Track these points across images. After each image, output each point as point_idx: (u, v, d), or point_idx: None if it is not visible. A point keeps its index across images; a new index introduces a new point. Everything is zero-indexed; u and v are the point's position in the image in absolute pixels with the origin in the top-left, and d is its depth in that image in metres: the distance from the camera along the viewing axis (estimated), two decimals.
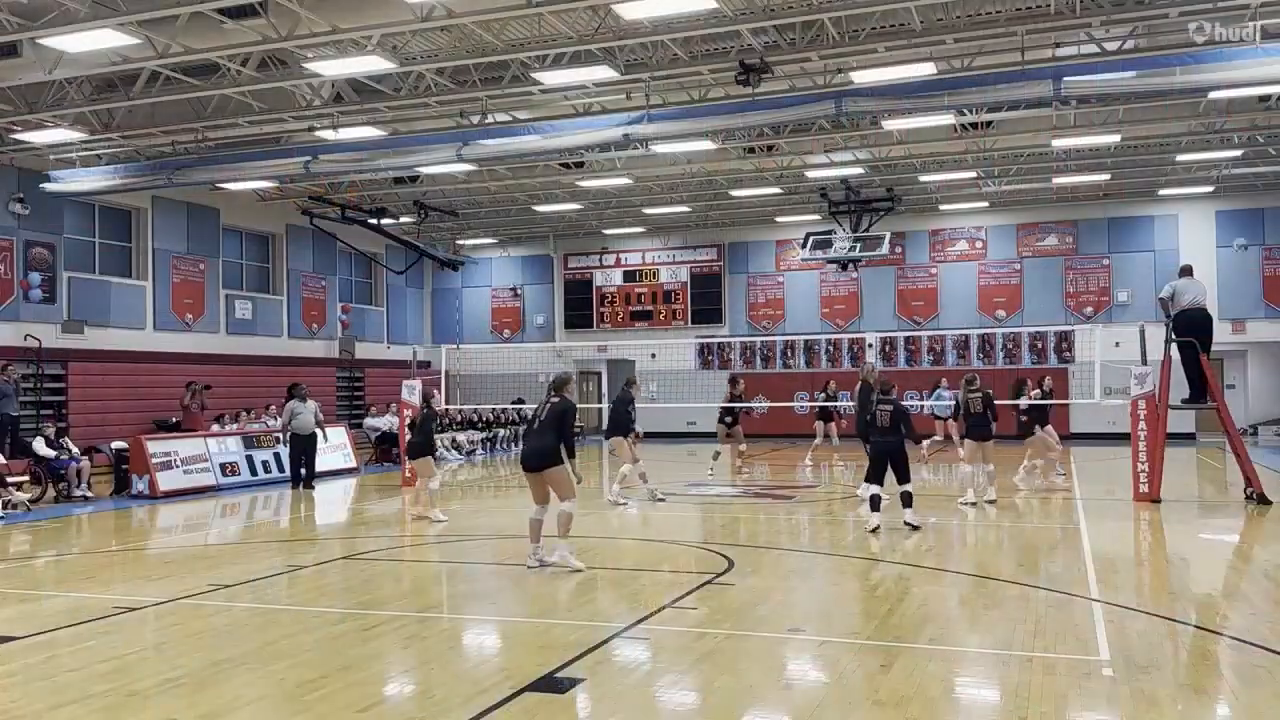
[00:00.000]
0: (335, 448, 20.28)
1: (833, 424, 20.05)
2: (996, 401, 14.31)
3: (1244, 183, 25.15)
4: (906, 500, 11.63)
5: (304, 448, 17.72)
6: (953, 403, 17.62)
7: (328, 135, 18.31)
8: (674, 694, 5.83)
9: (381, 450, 23.36)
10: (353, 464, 20.99)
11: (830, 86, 15.36)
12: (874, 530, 11.31)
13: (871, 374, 14.47)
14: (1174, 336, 14.22)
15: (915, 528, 11.42)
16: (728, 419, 17.77)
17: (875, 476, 11.77)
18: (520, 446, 9.61)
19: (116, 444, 17.62)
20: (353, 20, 13.16)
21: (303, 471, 17.73)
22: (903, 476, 11.68)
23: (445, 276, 32.78)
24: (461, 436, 25.03)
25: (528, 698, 5.69)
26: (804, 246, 24.84)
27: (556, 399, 9.70)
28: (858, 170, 22.57)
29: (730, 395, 18.27)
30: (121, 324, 21.94)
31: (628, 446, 14.78)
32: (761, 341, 30.09)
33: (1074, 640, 6.81)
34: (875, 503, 11.58)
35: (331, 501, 16.65)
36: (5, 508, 14.47)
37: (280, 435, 18.51)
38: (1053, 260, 27.82)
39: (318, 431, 17.79)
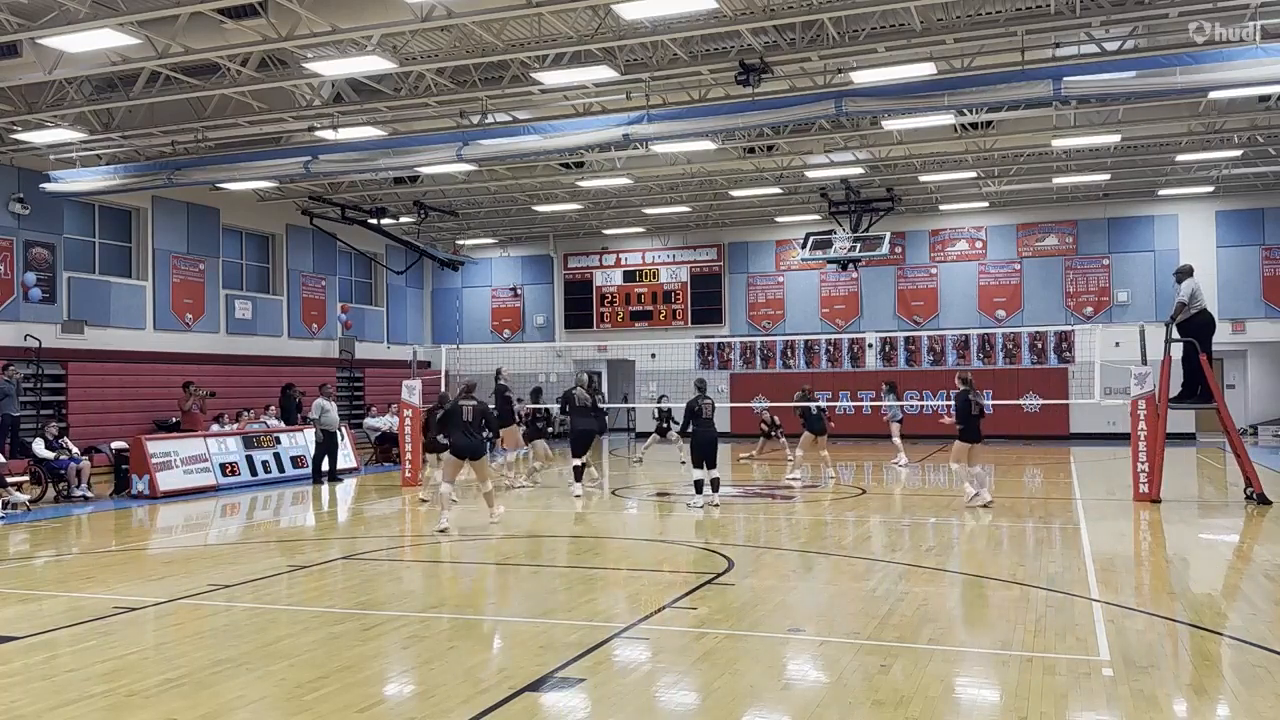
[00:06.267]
0: None
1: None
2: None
3: (1244, 183, 25.16)
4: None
5: (330, 445, 18.77)
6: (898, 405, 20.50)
7: (328, 135, 18.31)
8: (674, 694, 5.83)
9: (381, 450, 23.36)
10: (353, 464, 21.00)
11: (830, 86, 15.35)
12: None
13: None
14: (1179, 337, 14.20)
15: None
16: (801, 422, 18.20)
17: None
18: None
19: (116, 444, 17.62)
20: (353, 20, 13.16)
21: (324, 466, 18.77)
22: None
23: (445, 276, 32.79)
24: None
25: (528, 698, 5.69)
26: (804, 246, 24.86)
27: (474, 402, 12.36)
28: (858, 170, 22.57)
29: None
30: (121, 324, 21.94)
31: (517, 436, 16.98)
32: (761, 341, 30.09)
33: (1074, 640, 6.81)
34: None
35: (332, 501, 16.65)
36: (5, 508, 14.46)
37: (309, 431, 19.35)
38: (1053, 260, 27.82)
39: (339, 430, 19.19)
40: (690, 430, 14.29)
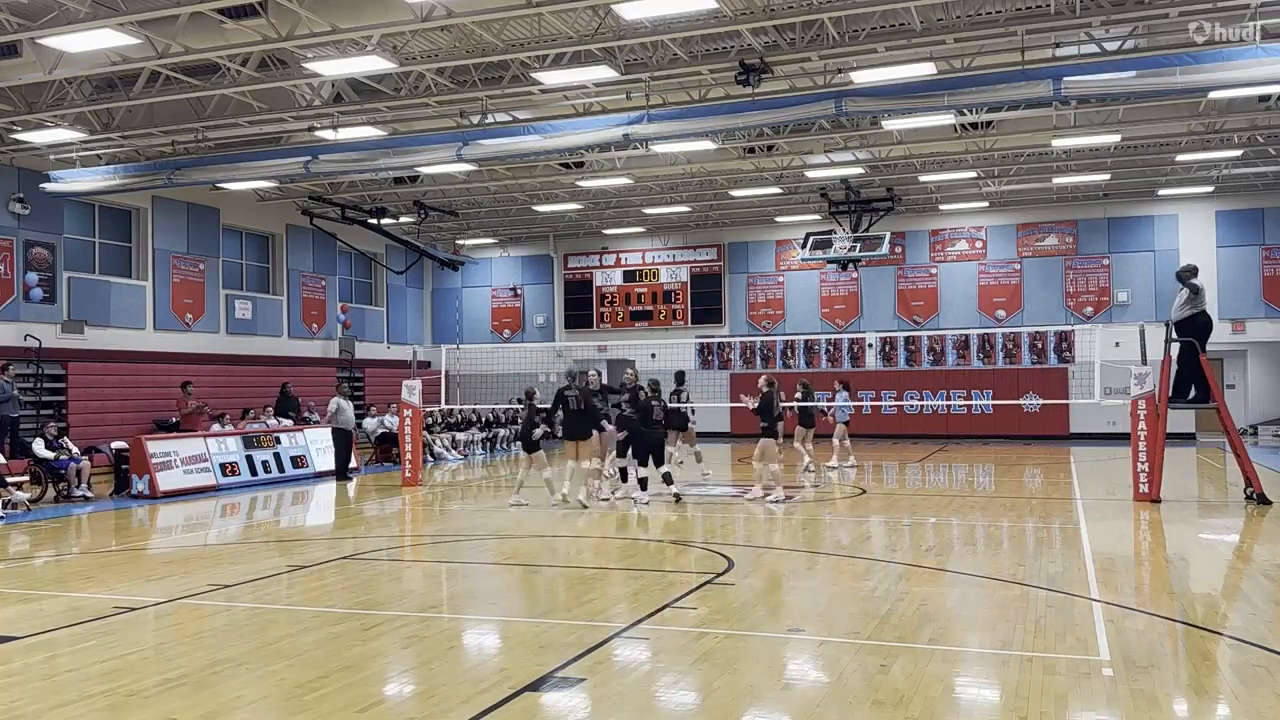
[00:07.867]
0: None
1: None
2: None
3: (1244, 183, 25.16)
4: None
5: (345, 443, 19.22)
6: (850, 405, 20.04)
7: (328, 135, 18.31)
8: (674, 694, 5.83)
9: (381, 450, 23.35)
10: (353, 464, 20.98)
11: (830, 86, 15.36)
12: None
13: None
14: (1178, 336, 14.19)
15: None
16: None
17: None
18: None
19: (116, 444, 17.61)
20: (353, 20, 13.16)
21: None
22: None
23: (445, 276, 32.79)
24: (461, 436, 25.03)
25: (528, 698, 5.69)
26: (804, 247, 24.86)
27: (576, 390, 13.77)
28: (858, 170, 22.57)
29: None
30: (121, 324, 21.94)
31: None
32: (761, 341, 30.09)
33: (1074, 640, 6.82)
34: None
35: (332, 501, 16.66)
36: (5, 508, 14.46)
37: (328, 430, 19.63)
38: (1053, 260, 27.82)
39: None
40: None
